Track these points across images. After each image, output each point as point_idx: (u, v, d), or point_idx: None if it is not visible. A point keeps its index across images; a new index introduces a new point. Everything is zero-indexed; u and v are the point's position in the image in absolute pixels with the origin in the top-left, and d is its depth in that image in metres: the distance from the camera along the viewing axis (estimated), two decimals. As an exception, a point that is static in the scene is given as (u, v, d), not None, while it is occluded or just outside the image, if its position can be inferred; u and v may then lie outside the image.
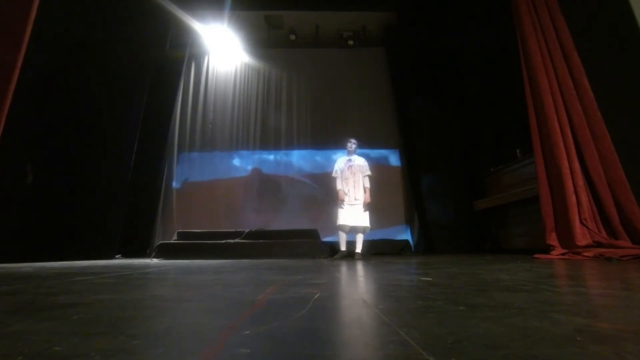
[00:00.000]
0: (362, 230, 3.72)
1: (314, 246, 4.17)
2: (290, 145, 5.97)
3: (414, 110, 5.50)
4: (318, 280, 1.47)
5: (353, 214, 3.68)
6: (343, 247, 3.72)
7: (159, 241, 4.50)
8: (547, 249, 2.97)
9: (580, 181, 2.93)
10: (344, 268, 2.24)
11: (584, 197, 2.89)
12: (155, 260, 3.67)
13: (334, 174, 3.93)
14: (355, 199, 3.70)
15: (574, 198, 2.89)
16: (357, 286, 1.25)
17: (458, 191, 5.09)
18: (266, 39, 6.22)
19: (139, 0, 4.83)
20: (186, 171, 5.83)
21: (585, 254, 2.59)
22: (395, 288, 1.18)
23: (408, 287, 1.21)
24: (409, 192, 5.59)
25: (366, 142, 6.00)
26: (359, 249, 3.70)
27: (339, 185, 3.80)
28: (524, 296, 0.93)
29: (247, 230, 4.51)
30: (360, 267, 2.34)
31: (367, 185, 3.76)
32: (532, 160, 3.48)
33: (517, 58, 3.64)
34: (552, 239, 3.00)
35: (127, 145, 4.73)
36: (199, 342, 0.54)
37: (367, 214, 3.72)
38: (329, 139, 5.98)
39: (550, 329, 0.57)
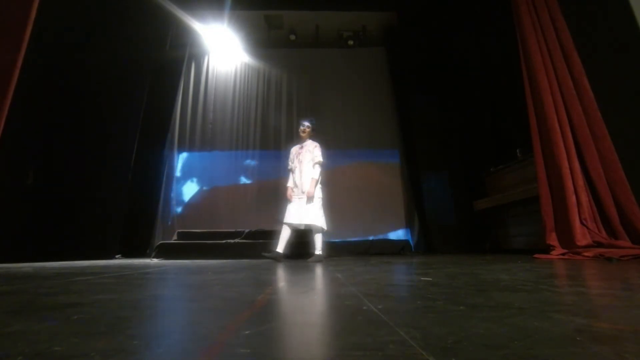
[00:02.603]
0: (316, 229, 3.08)
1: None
2: (290, 145, 5.96)
3: (414, 110, 5.49)
4: (318, 280, 1.47)
5: (299, 210, 3.06)
6: (279, 248, 3.09)
7: (159, 241, 4.50)
8: (547, 249, 2.97)
9: (580, 181, 2.93)
10: (343, 269, 2.23)
11: (584, 197, 2.89)
12: (155, 260, 3.67)
13: (288, 167, 3.38)
14: (302, 192, 3.10)
15: (574, 198, 2.89)
16: (356, 286, 1.25)
17: (458, 191, 5.09)
18: (266, 39, 6.22)
19: (139, 0, 4.83)
20: (186, 171, 5.83)
21: (585, 254, 2.59)
22: (395, 288, 1.18)
23: (408, 287, 1.21)
24: (409, 192, 5.59)
25: (366, 142, 6.02)
26: (317, 249, 3.06)
27: (289, 182, 3.28)
28: (524, 296, 0.93)
29: (247, 230, 4.50)
30: (359, 267, 2.34)
31: (315, 176, 3.09)
32: (532, 160, 3.48)
33: (517, 58, 3.63)
34: (552, 239, 3.00)
35: (127, 145, 4.73)
36: (198, 342, 0.54)
37: (317, 210, 3.04)
38: (329, 139, 5.98)
39: (550, 329, 0.57)
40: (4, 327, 0.63)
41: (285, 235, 3.13)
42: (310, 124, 3.37)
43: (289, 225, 3.12)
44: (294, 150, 3.39)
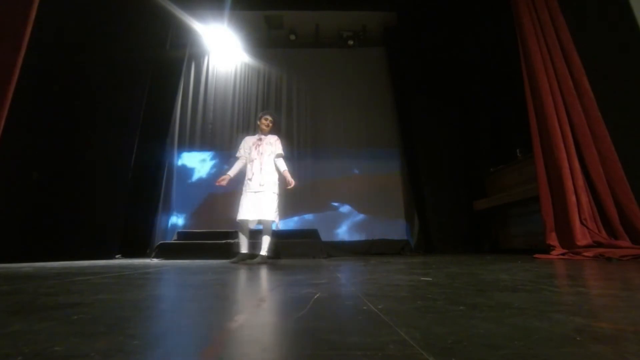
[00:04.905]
0: (268, 226, 2.94)
1: (313, 246, 4.17)
2: (289, 145, 5.96)
3: (414, 110, 5.50)
4: (318, 280, 1.47)
5: (257, 205, 2.88)
6: (244, 249, 2.95)
7: (159, 241, 4.49)
8: (547, 249, 2.97)
9: (580, 181, 2.93)
10: (343, 268, 2.23)
11: (584, 197, 2.89)
12: (155, 260, 3.66)
13: (237, 154, 3.17)
14: (260, 185, 2.91)
15: (574, 198, 2.89)
16: (356, 286, 1.25)
17: (458, 191, 5.09)
18: (266, 39, 6.21)
19: (139, 0, 4.83)
20: (186, 171, 5.83)
21: (585, 254, 2.59)
22: (395, 288, 1.18)
23: (408, 287, 1.21)
24: (409, 191, 5.59)
25: (366, 142, 6.02)
26: (263, 250, 2.91)
27: (233, 169, 3.10)
28: (524, 296, 0.93)
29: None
30: (359, 267, 2.34)
31: (284, 167, 3.03)
32: (532, 160, 3.48)
33: (517, 58, 3.64)
34: (552, 239, 3.00)
35: (127, 145, 4.74)
36: (198, 342, 0.54)
37: (274, 204, 2.92)
38: (329, 139, 5.99)
39: (550, 329, 0.57)
40: (4, 327, 0.63)
41: (245, 234, 2.96)
42: (273, 118, 3.20)
43: (246, 221, 2.93)
44: (250, 140, 3.16)
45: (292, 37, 6.12)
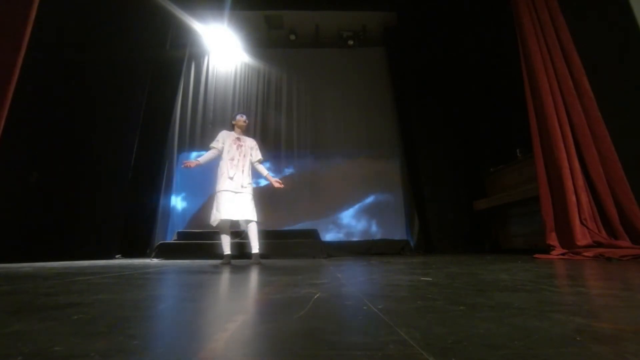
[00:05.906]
0: (253, 225, 2.99)
1: (313, 246, 4.17)
2: (289, 145, 5.97)
3: (414, 110, 5.50)
4: (318, 280, 1.47)
5: (238, 205, 2.89)
6: (228, 250, 2.99)
7: (159, 241, 4.49)
8: (547, 249, 2.97)
9: (580, 181, 2.93)
10: (343, 269, 2.23)
11: (584, 197, 2.89)
12: (155, 260, 3.67)
13: (213, 144, 3.09)
14: (242, 187, 2.94)
15: (574, 198, 2.89)
16: (356, 286, 1.25)
17: (458, 191, 5.09)
18: (266, 39, 6.22)
19: (139, 0, 4.83)
20: (186, 171, 5.83)
21: (585, 254, 2.59)
22: (395, 288, 1.18)
23: (408, 287, 1.20)
24: (409, 191, 5.59)
25: (366, 142, 6.02)
26: (255, 248, 2.94)
27: (204, 158, 3.07)
28: (524, 296, 0.93)
29: (246, 230, 4.50)
30: (360, 267, 2.34)
31: (266, 172, 3.16)
32: (532, 160, 3.48)
33: (517, 58, 3.64)
34: (552, 239, 3.00)
35: (127, 145, 4.74)
36: (198, 342, 0.54)
37: (253, 205, 2.98)
38: (329, 139, 5.99)
39: (550, 329, 0.57)
40: (4, 327, 0.63)
41: (227, 236, 3.01)
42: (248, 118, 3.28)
43: (227, 221, 2.94)
44: (230, 137, 3.12)
45: (292, 37, 6.12)
